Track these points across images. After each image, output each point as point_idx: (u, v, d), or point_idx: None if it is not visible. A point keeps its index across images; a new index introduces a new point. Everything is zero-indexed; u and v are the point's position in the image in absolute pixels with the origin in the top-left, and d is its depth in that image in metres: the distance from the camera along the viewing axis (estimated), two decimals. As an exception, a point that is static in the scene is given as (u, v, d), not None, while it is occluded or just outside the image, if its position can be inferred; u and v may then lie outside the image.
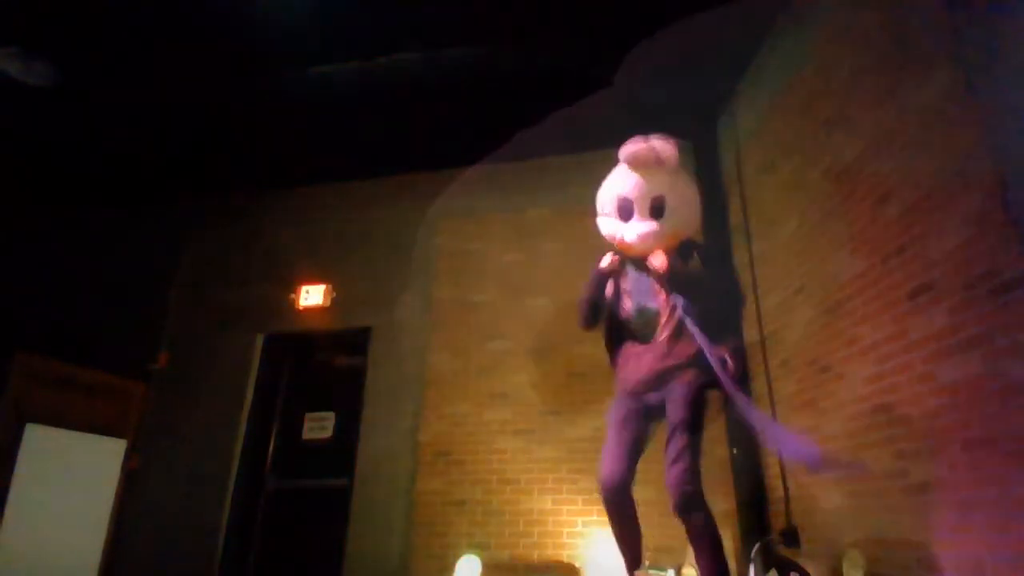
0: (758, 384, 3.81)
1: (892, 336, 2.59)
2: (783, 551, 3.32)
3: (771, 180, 3.76)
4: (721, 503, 3.78)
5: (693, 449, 2.06)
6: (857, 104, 2.90)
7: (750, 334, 3.97)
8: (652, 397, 2.21)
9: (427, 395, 4.48)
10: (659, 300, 2.21)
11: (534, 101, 4.46)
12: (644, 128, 4.62)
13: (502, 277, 4.66)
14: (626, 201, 2.16)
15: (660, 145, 2.16)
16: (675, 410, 2.11)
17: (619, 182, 2.21)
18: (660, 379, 2.18)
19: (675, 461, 2.03)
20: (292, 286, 5.07)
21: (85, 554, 3.57)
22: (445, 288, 4.77)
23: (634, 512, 2.21)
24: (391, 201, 5.24)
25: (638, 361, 2.22)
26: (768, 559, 3.32)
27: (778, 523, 3.46)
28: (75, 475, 3.56)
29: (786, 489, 3.39)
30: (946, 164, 2.31)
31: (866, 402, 2.75)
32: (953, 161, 2.28)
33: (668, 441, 2.09)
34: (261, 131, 4.80)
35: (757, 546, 3.35)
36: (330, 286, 5.02)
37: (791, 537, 3.27)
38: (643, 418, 2.24)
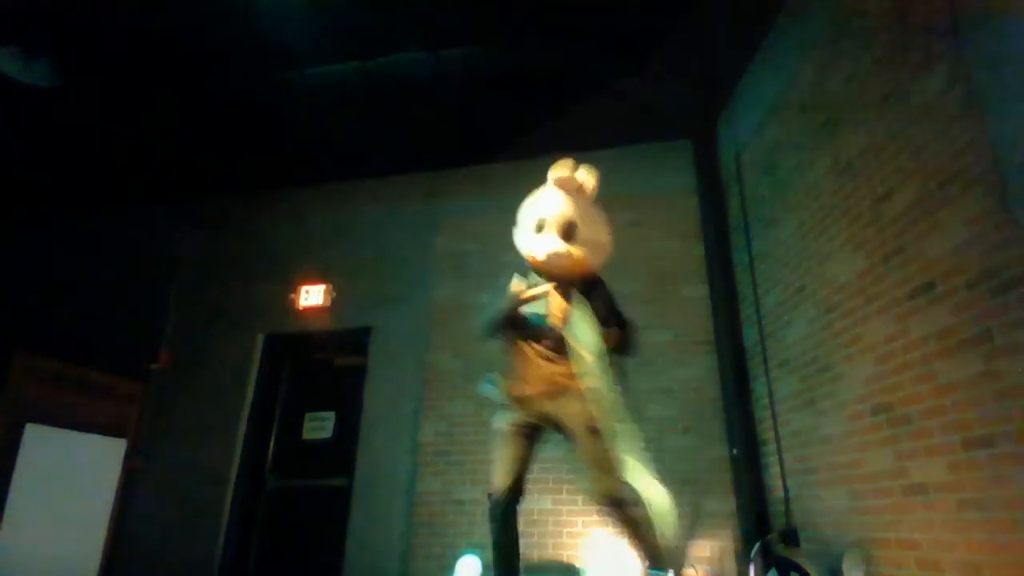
0: (758, 384, 3.81)
1: (892, 336, 2.59)
2: (783, 551, 3.32)
3: (771, 180, 3.76)
4: (721, 503, 3.79)
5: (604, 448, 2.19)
6: (857, 104, 2.90)
7: (750, 334, 3.97)
8: (548, 407, 2.29)
9: (427, 395, 4.48)
10: (557, 315, 2.30)
11: (534, 101, 4.47)
12: (644, 128, 4.63)
13: (502, 277, 4.65)
14: (543, 220, 2.26)
15: (585, 176, 2.26)
16: (575, 419, 2.23)
17: (541, 201, 2.31)
18: (555, 391, 2.28)
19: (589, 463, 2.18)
20: (292, 286, 5.07)
21: (85, 554, 3.56)
22: (445, 288, 4.77)
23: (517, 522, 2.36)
24: (391, 201, 5.24)
25: (537, 371, 2.32)
26: (768, 559, 3.33)
27: (778, 523, 3.46)
28: (75, 475, 3.56)
29: (786, 489, 3.39)
30: (946, 164, 2.31)
31: (866, 402, 2.75)
32: (953, 161, 2.28)
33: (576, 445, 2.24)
34: (261, 131, 4.80)
35: (757, 546, 3.36)
36: (330, 286, 5.02)
37: (791, 537, 3.27)
38: (535, 430, 2.35)
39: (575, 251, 2.22)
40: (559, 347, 2.27)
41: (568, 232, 2.22)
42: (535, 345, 2.31)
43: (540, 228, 2.26)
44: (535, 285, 2.34)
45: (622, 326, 2.33)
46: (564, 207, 2.24)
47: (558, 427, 2.32)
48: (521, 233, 2.35)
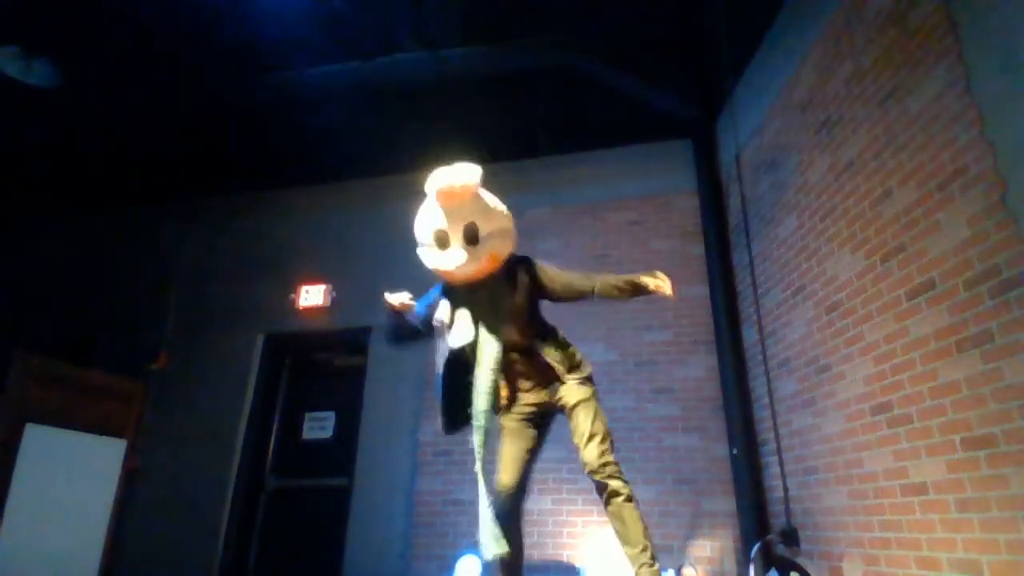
0: (758, 384, 3.81)
1: (892, 336, 2.59)
2: (783, 551, 3.32)
3: (771, 180, 3.76)
4: (721, 503, 3.79)
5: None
6: (857, 104, 2.91)
7: (750, 334, 3.97)
8: (543, 394, 2.32)
9: (427, 395, 4.48)
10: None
11: (534, 101, 4.47)
12: (644, 128, 4.61)
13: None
14: (441, 232, 2.17)
15: (464, 172, 2.16)
16: (568, 398, 2.28)
17: (431, 214, 2.21)
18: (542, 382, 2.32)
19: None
20: (292, 286, 5.07)
21: (85, 554, 3.56)
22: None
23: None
24: (391, 201, 5.23)
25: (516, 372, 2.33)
26: (768, 559, 3.33)
27: (778, 523, 3.46)
28: (75, 475, 3.55)
29: (786, 489, 3.39)
30: (946, 164, 2.32)
31: (866, 402, 2.75)
32: (953, 161, 2.28)
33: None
34: (261, 131, 4.80)
35: (757, 546, 3.36)
36: (330, 286, 5.02)
37: (791, 537, 3.27)
38: (540, 420, 2.37)
39: (486, 252, 2.16)
40: (515, 348, 2.26)
41: (472, 236, 2.14)
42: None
43: (442, 242, 2.17)
44: (455, 298, 2.30)
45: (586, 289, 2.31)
46: (457, 212, 2.15)
47: (554, 409, 2.34)
48: (425, 252, 2.24)
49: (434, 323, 2.32)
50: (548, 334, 2.34)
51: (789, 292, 3.49)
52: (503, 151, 4.77)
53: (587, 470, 2.15)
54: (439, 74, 4.08)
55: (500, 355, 2.18)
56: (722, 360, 4.06)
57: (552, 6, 3.78)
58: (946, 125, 2.32)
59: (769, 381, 3.65)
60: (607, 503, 2.14)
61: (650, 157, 4.80)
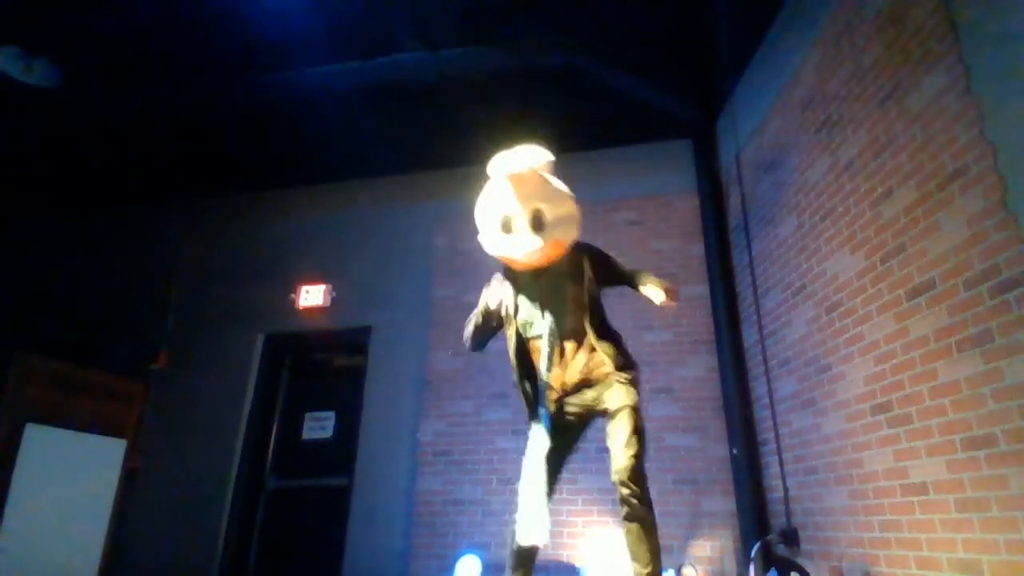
0: (758, 384, 3.81)
1: (892, 336, 2.59)
2: (783, 551, 3.32)
3: (771, 180, 3.76)
4: (721, 503, 3.79)
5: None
6: (857, 104, 2.90)
7: (750, 334, 3.97)
8: (587, 395, 2.24)
9: (427, 395, 4.48)
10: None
11: (534, 101, 4.47)
12: (644, 128, 4.62)
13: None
14: (506, 217, 2.13)
15: (531, 155, 2.11)
16: (613, 401, 2.18)
17: (495, 198, 2.16)
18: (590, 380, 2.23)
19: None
20: (292, 286, 5.08)
21: (85, 554, 3.56)
22: (445, 288, 4.77)
23: None
24: (391, 201, 5.25)
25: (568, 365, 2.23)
26: (768, 559, 3.33)
27: (778, 523, 3.46)
28: (75, 475, 3.55)
29: (786, 489, 3.39)
30: (946, 164, 2.32)
31: (866, 402, 2.75)
32: (953, 161, 2.28)
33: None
34: (261, 131, 4.80)
35: (757, 546, 3.36)
36: (330, 286, 5.03)
37: (791, 537, 3.27)
38: (573, 430, 2.28)
39: (552, 238, 2.11)
40: (578, 339, 2.18)
41: (538, 222, 2.10)
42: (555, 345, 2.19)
43: (507, 227, 2.13)
44: (518, 283, 2.26)
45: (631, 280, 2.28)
46: (524, 197, 2.10)
47: (595, 413, 2.24)
48: (487, 237, 2.19)
49: (501, 312, 2.25)
50: (606, 327, 2.26)
51: (789, 292, 3.49)
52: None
53: (615, 479, 2.05)
54: (439, 74, 4.09)
55: (559, 341, 2.14)
56: (722, 360, 4.06)
57: (552, 6, 3.78)
58: (946, 125, 2.32)
59: (769, 381, 3.65)
60: (626, 519, 2.06)
61: (650, 157, 4.80)
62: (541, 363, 2.15)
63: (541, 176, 2.14)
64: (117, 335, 5.13)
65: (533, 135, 4.72)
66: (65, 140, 4.88)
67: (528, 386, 2.21)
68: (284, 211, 5.48)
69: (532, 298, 2.22)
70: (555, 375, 2.19)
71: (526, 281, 2.24)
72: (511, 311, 2.24)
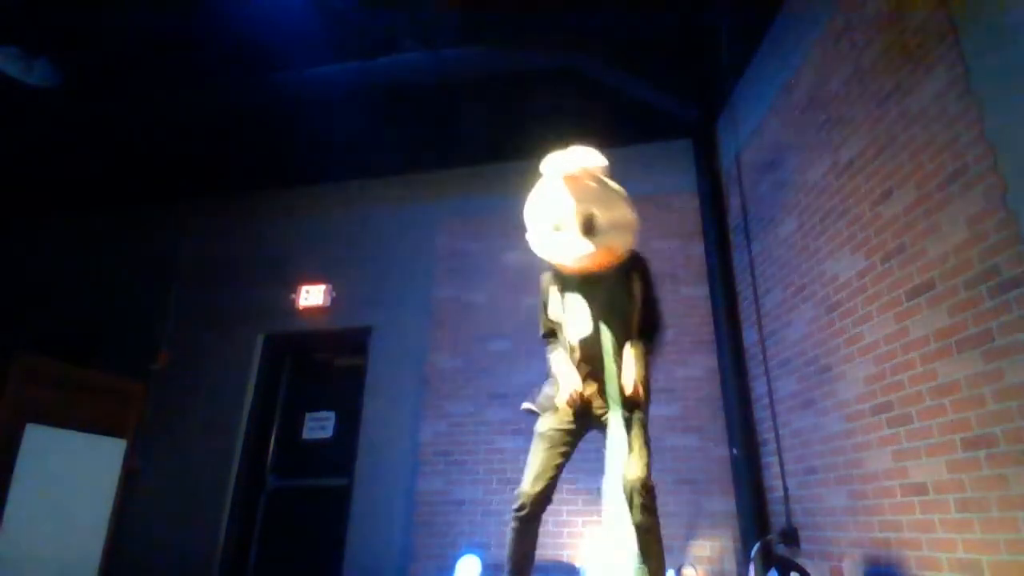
0: (758, 384, 3.81)
1: (892, 336, 2.59)
2: (783, 551, 3.32)
3: (771, 180, 3.76)
4: (721, 503, 3.79)
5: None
6: (857, 104, 2.91)
7: (750, 334, 3.97)
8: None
9: (427, 395, 4.48)
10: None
11: (534, 101, 4.47)
12: (644, 128, 4.61)
13: (502, 277, 4.66)
14: (558, 218, 2.07)
15: (586, 156, 2.04)
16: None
17: (549, 197, 2.09)
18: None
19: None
20: (292, 286, 5.08)
21: (85, 554, 3.56)
22: (445, 288, 4.77)
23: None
24: (391, 201, 5.25)
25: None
26: (768, 559, 3.33)
27: (778, 523, 3.46)
28: (75, 475, 3.55)
29: (786, 489, 3.39)
30: (946, 164, 2.32)
31: (866, 402, 2.75)
32: (953, 161, 2.28)
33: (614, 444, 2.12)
34: (261, 131, 4.80)
35: (757, 546, 3.36)
36: (330, 286, 5.03)
37: (791, 537, 3.27)
38: (578, 435, 2.23)
39: (603, 244, 2.04)
40: (616, 351, 2.13)
41: (589, 226, 2.04)
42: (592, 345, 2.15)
43: (558, 228, 2.05)
44: (566, 284, 2.22)
45: (653, 327, 2.22)
46: (577, 199, 2.03)
47: (597, 423, 2.20)
48: (537, 237, 2.11)
49: (551, 317, 2.22)
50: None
51: (789, 292, 3.49)
52: (503, 151, 4.78)
53: (627, 488, 1.99)
54: (439, 74, 4.08)
55: (599, 350, 2.08)
56: (722, 360, 4.06)
57: (552, 6, 3.78)
58: (946, 125, 2.32)
59: (769, 381, 3.65)
60: (636, 527, 2.02)
61: (650, 157, 4.80)
62: (608, 365, 2.09)
63: (598, 179, 2.07)
64: (117, 335, 5.13)
65: (533, 135, 4.72)
66: (65, 140, 4.87)
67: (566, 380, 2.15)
68: (284, 211, 5.48)
69: (581, 302, 2.17)
70: (588, 384, 2.15)
71: (575, 285, 2.20)
72: (563, 317, 2.21)
